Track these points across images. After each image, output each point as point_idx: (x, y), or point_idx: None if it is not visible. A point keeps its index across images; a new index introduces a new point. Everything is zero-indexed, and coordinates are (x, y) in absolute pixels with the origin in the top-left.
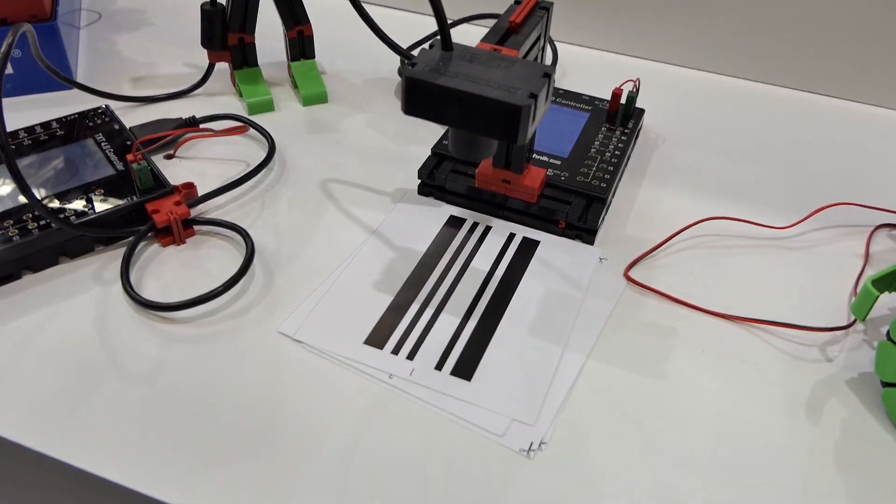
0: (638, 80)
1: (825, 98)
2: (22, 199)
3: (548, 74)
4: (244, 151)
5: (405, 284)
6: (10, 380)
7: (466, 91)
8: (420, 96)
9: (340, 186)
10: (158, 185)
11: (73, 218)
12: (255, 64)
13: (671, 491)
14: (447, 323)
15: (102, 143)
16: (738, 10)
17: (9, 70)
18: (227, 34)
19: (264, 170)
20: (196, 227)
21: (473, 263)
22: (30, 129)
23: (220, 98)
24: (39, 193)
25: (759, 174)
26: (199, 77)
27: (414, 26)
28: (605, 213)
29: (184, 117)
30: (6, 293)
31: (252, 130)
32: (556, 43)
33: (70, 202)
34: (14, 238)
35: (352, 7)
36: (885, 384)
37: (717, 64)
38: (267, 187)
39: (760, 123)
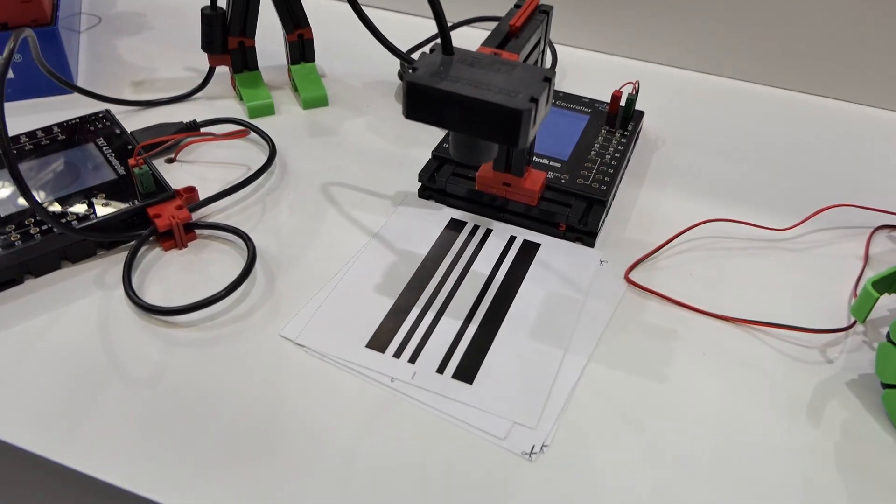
0: (637, 82)
1: (825, 99)
2: (24, 204)
3: (548, 78)
4: (245, 155)
5: (406, 288)
6: (13, 384)
7: (467, 95)
8: (421, 101)
9: (341, 190)
10: (160, 189)
11: (74, 222)
12: (256, 67)
13: (672, 493)
14: (448, 326)
15: (104, 148)
16: (738, 12)
17: (10, 74)
18: (227, 38)
19: (265, 173)
20: (198, 231)
21: (474, 266)
22: (31, 134)
23: (221, 102)
24: (41, 198)
25: (758, 176)
26: (199, 81)
27: (413, 29)
28: (606, 216)
29: (185, 121)
30: (8, 298)
31: (253, 134)
32: (556, 45)
33: (72, 206)
34: (16, 243)
35: (352, 10)
36: (886, 385)
37: (716, 66)
38: (268, 191)
39: (760, 125)
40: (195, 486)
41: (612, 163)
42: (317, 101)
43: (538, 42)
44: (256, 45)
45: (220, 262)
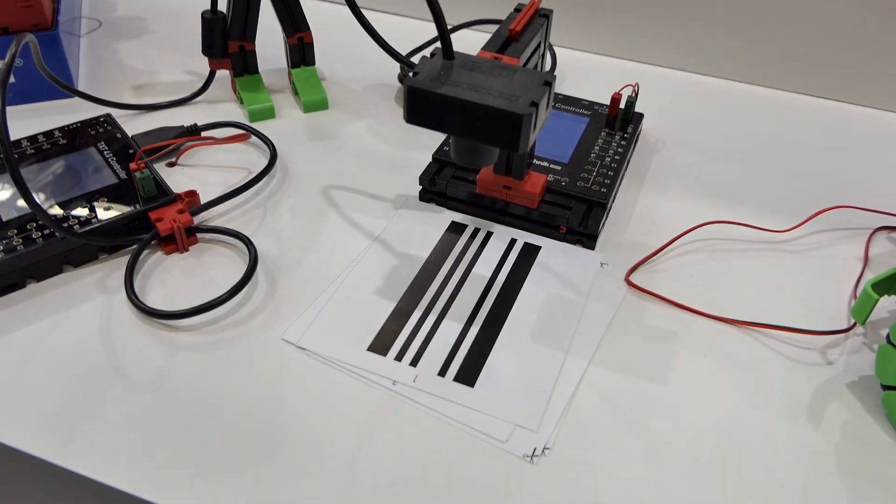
0: (637, 84)
1: (824, 101)
2: (26, 208)
3: (548, 82)
4: (246, 159)
5: (407, 291)
6: (15, 389)
7: (468, 100)
8: (422, 105)
9: (342, 193)
10: (161, 193)
11: (76, 226)
12: (256, 71)
13: (674, 494)
14: (450, 329)
15: (105, 152)
16: (737, 14)
17: (11, 79)
18: (227, 42)
19: (266, 177)
20: (199, 235)
21: (475, 269)
22: (32, 138)
23: (221, 105)
24: (43, 202)
25: (758, 177)
26: (199, 84)
27: (413, 32)
28: (606, 218)
29: (185, 125)
30: (10, 302)
31: (253, 138)
32: (555, 48)
33: (73, 211)
34: (18, 247)
35: (351, 13)
36: (886, 387)
37: (715, 67)
38: (269, 194)
39: (759, 126)
40: (196, 490)
41: (612, 165)
42: (317, 104)
43: (538, 46)
44: (257, 49)
45: (221, 266)
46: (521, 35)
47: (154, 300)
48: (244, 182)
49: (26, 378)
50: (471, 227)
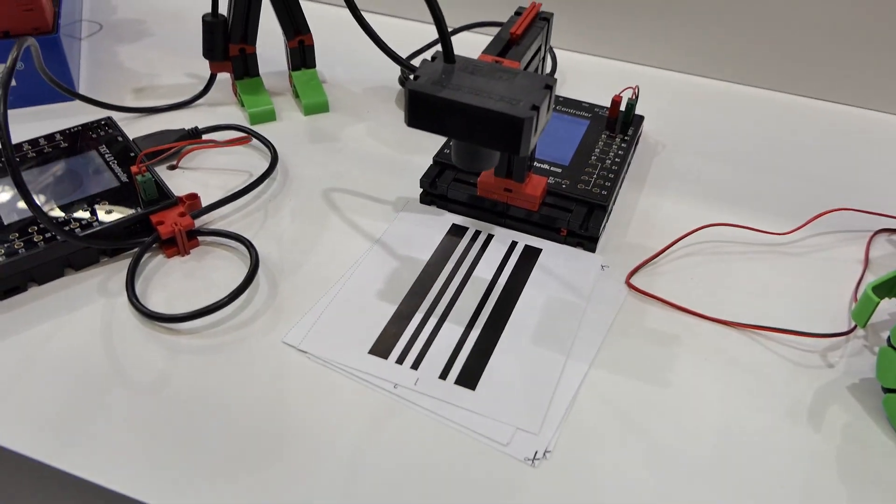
0: (637, 86)
1: (824, 103)
2: (27, 211)
3: (549, 86)
4: (247, 161)
5: (408, 294)
6: (17, 392)
7: (469, 104)
8: (423, 109)
9: (343, 196)
10: (162, 196)
11: (77, 230)
12: (257, 74)
13: (675, 497)
14: (451, 332)
15: (106, 155)
16: (736, 16)
17: (12, 82)
18: (228, 45)
19: (267, 180)
20: (200, 238)
21: (476, 272)
22: (34, 142)
23: (222, 108)
24: (44, 206)
25: (758, 179)
26: (200, 87)
27: (413, 34)
28: (607, 221)
29: (186, 128)
30: (12, 306)
31: (254, 140)
32: (555, 50)
33: (74, 214)
34: (20, 251)
35: (352, 16)
36: (886, 390)
37: (715, 69)
38: (270, 197)
39: (759, 128)
40: (198, 493)
41: (613, 167)
42: (318, 107)
43: (539, 49)
44: (257, 52)
45: (222, 269)
46: (521, 39)
47: (155, 303)
48: (245, 185)
49: (28, 381)
50: (472, 229)
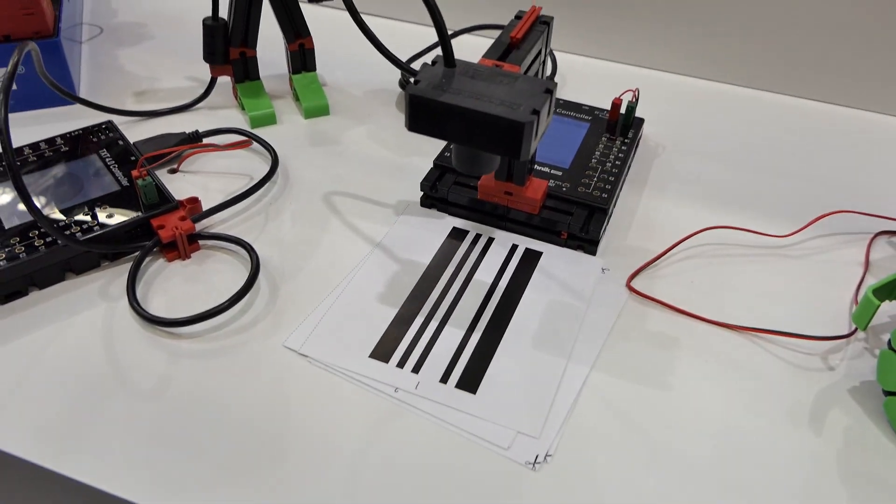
0: (637, 89)
1: (824, 105)
2: (28, 216)
3: (549, 90)
4: (247, 165)
5: (409, 297)
6: (18, 396)
7: (469, 108)
8: (423, 113)
9: (343, 199)
10: (163, 200)
11: (78, 234)
12: (257, 77)
13: (676, 501)
14: (451, 335)
15: (107, 159)
16: (737, 18)
17: (13, 86)
18: (228, 48)
19: (268, 183)
20: (201, 242)
21: (476, 275)
22: (34, 146)
23: (223, 111)
24: (45, 210)
25: (759, 182)
26: (201, 91)
27: (414, 37)
28: (607, 224)
29: (187, 132)
30: (13, 310)
31: (255, 144)
32: (556, 53)
33: (75, 218)
34: (20, 255)
35: (352, 19)
36: (887, 393)
37: (715, 72)
38: (271, 201)
39: (759, 130)
40: (199, 497)
41: (613, 170)
42: (318, 110)
43: (539, 53)
44: (258, 55)
45: (223, 273)
46: (521, 42)
47: (156, 307)
48: (246, 188)
49: (29, 386)
50: (472, 233)
